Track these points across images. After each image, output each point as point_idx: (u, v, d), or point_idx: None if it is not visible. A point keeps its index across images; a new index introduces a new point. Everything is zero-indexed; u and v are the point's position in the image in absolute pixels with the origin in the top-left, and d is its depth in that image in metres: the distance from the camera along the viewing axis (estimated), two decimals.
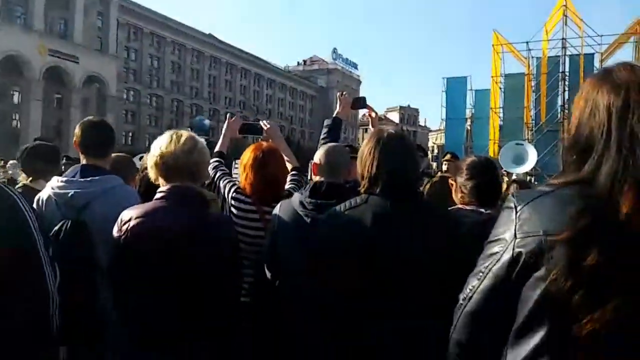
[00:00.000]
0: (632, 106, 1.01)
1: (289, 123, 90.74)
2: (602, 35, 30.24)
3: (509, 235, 1.05)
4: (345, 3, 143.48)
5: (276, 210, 2.45)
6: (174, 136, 2.16)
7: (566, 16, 30.00)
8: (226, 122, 3.41)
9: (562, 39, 30.52)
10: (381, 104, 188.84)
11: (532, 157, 8.55)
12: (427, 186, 5.81)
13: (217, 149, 3.25)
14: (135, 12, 63.23)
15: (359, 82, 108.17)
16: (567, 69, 30.91)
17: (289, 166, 3.05)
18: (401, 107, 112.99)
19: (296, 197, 2.43)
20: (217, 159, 3.13)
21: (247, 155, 2.77)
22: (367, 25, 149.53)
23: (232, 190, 2.84)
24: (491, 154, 31.40)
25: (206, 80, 74.93)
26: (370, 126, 3.62)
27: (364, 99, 3.62)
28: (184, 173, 2.11)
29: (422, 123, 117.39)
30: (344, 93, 3.52)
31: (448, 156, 7.17)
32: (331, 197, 2.26)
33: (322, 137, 3.12)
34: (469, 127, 37.92)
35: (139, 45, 65.32)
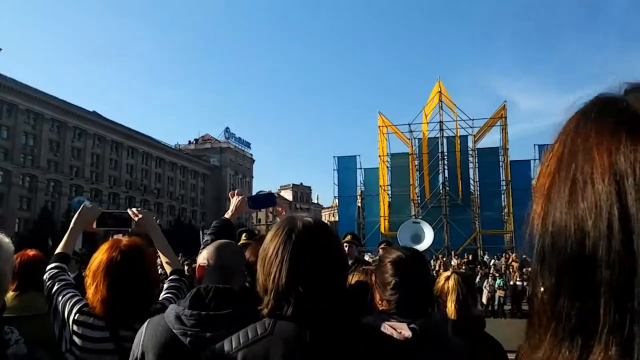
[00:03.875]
0: None
1: (179, 203, 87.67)
2: (473, 119, 33.59)
3: None
4: (237, 83, 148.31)
5: (141, 332, 1.75)
6: None
7: (442, 102, 32.99)
8: (78, 211, 2.50)
9: (439, 122, 33.33)
10: (274, 182, 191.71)
11: (428, 235, 8.55)
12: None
13: (59, 249, 2.36)
14: (9, 88, 58.98)
15: (252, 160, 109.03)
16: (445, 149, 33.57)
17: (167, 269, 2.38)
18: (294, 185, 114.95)
19: (171, 309, 1.78)
20: (56, 264, 2.26)
21: (98, 258, 2.02)
22: (258, 104, 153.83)
23: (76, 309, 2.04)
24: (382, 229, 32.49)
25: (88, 159, 70.64)
26: None
27: (271, 196, 2.96)
28: None
29: (315, 200, 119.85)
30: (237, 190, 2.90)
31: (349, 237, 6.83)
32: (222, 307, 1.69)
33: (205, 239, 2.53)
34: (360, 205, 39.11)
35: (13, 122, 60.47)
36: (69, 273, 2.33)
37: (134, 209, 2.56)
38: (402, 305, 1.77)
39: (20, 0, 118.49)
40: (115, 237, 2.23)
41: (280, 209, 2.96)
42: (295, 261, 1.26)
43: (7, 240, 1.62)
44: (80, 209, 2.51)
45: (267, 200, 2.93)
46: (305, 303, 1.25)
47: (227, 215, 2.77)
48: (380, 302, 1.89)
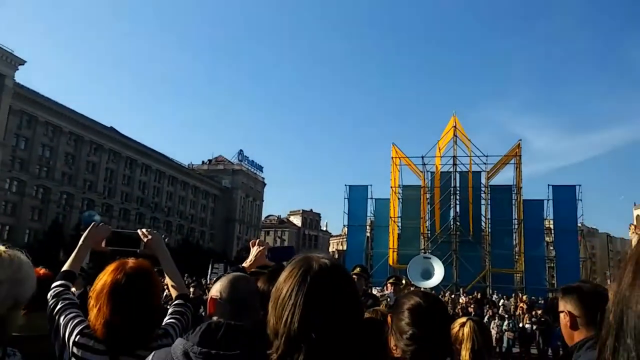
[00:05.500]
0: None
1: (188, 222, 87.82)
2: (487, 156, 33.44)
3: None
4: (252, 108, 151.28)
5: None
6: None
7: (456, 136, 32.96)
8: (88, 229, 2.46)
9: (453, 156, 33.25)
10: (284, 207, 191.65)
11: (439, 271, 8.42)
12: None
13: (65, 266, 2.29)
14: (31, 100, 60.21)
15: (264, 184, 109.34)
16: (457, 184, 33.40)
17: (173, 293, 2.32)
18: (304, 211, 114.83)
19: (179, 344, 1.71)
20: (61, 282, 2.19)
21: (103, 280, 1.96)
22: (274, 129, 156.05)
23: (77, 330, 1.96)
24: (390, 262, 32.13)
25: (102, 173, 71.36)
26: None
27: (290, 249, 3.03)
28: None
29: (323, 228, 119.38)
30: (258, 240, 2.90)
31: (357, 269, 6.70)
32: (232, 346, 1.62)
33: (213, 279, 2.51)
34: (369, 235, 38.85)
35: (31, 133, 61.50)
36: (75, 291, 2.30)
37: (143, 230, 2.48)
38: (417, 358, 1.70)
39: (46, 16, 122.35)
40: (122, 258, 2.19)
41: None
42: (309, 305, 1.18)
43: (26, 259, 1.59)
44: (90, 227, 2.46)
45: (287, 253, 2.95)
46: (318, 351, 1.17)
47: (245, 264, 2.73)
48: (394, 348, 1.82)
